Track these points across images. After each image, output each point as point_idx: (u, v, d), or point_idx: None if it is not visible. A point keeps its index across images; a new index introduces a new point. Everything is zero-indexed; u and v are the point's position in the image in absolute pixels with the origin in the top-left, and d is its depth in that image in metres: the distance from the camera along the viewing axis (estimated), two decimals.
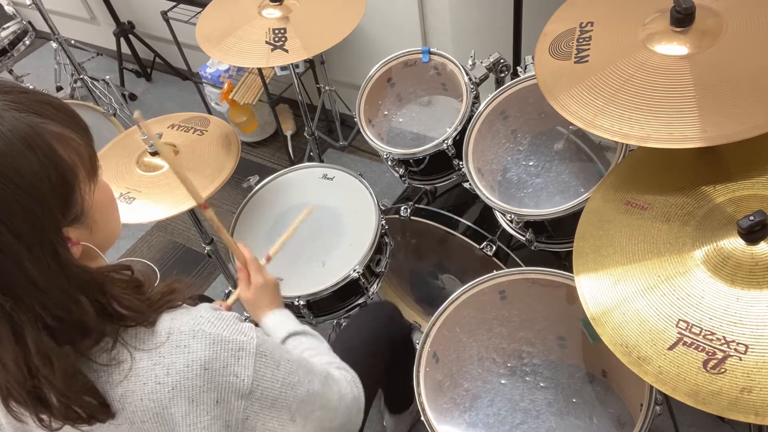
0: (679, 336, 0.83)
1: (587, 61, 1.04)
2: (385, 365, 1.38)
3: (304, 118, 2.11)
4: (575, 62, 1.05)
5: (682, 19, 0.95)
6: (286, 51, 1.53)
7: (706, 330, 0.82)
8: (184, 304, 0.78)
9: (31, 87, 0.76)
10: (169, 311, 0.75)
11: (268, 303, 1.11)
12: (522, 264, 1.46)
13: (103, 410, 0.70)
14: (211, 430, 0.72)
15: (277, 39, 1.56)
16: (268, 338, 0.80)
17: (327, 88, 2.40)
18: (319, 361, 0.97)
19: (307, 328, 1.07)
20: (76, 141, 0.68)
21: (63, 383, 0.66)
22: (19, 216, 0.62)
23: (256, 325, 1.00)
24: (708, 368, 0.79)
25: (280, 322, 1.08)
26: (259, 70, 2.34)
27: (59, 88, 3.16)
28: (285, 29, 1.57)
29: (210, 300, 1.25)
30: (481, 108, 1.43)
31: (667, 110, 0.90)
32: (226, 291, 1.78)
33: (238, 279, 1.15)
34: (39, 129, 0.64)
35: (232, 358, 0.73)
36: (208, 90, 2.61)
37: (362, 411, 0.96)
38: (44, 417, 0.69)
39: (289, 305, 1.38)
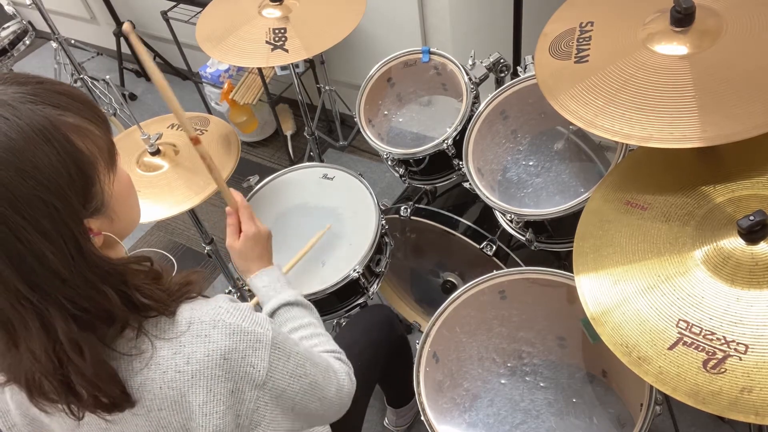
0: (679, 336, 0.83)
1: (587, 61, 1.04)
2: (382, 367, 1.38)
3: (304, 118, 2.11)
4: (575, 62, 1.05)
5: (682, 19, 0.95)
6: (286, 51, 1.53)
7: (706, 330, 0.82)
8: (201, 296, 0.79)
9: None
10: (188, 302, 0.76)
11: (258, 256, 1.08)
12: (522, 264, 1.45)
13: (125, 398, 0.70)
14: (225, 420, 0.73)
15: (277, 39, 1.55)
16: (280, 330, 0.81)
17: (327, 88, 2.40)
18: (318, 347, 0.97)
19: (298, 296, 1.04)
20: (93, 132, 0.68)
21: (93, 371, 0.67)
22: (40, 211, 0.61)
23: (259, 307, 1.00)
24: (708, 368, 0.79)
25: (271, 287, 1.05)
26: (259, 70, 2.34)
27: None
28: (285, 29, 1.57)
29: None
30: (481, 108, 1.43)
31: (667, 110, 0.90)
32: (226, 291, 1.79)
33: (227, 225, 1.09)
34: (56, 121, 0.63)
35: (249, 349, 0.74)
36: (208, 90, 2.61)
37: (350, 403, 0.96)
38: (73, 406, 0.70)
39: None
